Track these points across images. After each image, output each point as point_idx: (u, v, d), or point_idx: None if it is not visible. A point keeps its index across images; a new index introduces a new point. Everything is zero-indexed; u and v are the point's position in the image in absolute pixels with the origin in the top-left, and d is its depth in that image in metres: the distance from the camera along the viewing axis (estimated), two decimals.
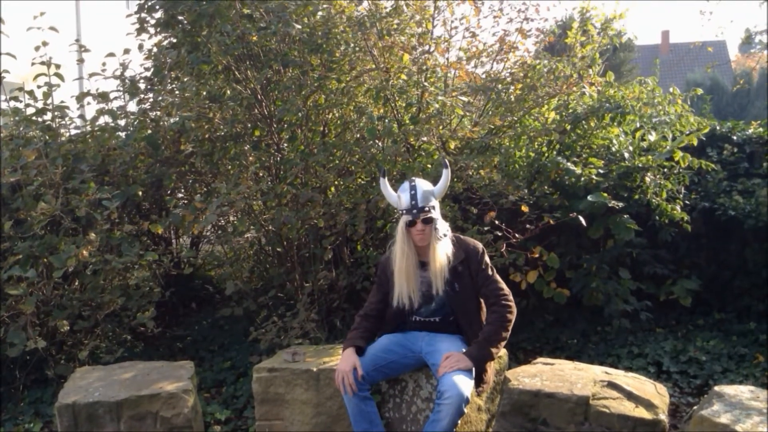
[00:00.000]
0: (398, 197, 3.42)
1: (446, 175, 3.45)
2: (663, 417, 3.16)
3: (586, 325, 5.23)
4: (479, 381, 3.35)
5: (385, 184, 3.55)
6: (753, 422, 2.99)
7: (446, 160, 3.54)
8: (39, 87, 4.95)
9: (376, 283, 3.60)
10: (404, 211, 3.36)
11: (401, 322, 3.52)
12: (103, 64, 5.11)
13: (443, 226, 3.41)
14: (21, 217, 4.48)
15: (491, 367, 3.43)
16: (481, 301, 3.45)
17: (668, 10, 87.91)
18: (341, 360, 3.35)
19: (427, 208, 3.33)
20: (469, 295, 3.39)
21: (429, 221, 3.33)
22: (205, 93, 4.92)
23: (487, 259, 3.47)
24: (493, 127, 5.10)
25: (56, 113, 4.99)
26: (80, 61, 5.23)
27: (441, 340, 3.39)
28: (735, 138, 5.81)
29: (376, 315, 3.54)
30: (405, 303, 3.40)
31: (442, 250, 3.36)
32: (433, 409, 3.13)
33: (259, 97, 4.91)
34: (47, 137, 4.88)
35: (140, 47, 5.43)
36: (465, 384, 3.12)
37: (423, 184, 3.41)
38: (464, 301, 3.39)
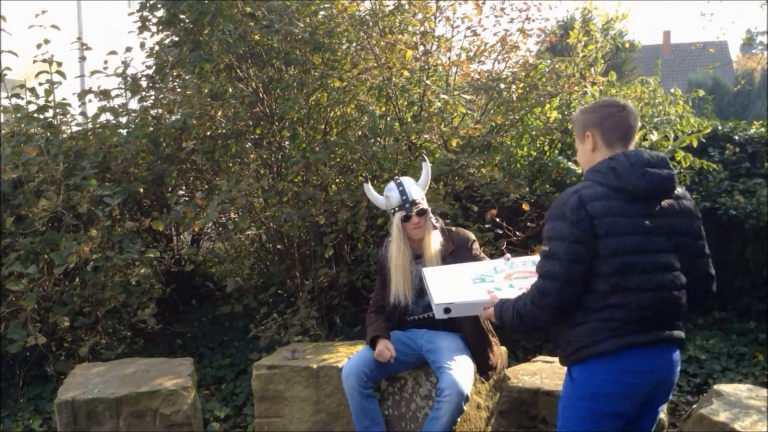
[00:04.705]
0: (386, 197, 3.46)
1: (426, 168, 3.57)
2: (662, 415, 3.16)
3: None
4: (485, 369, 3.37)
5: (369, 189, 3.63)
6: (752, 420, 3.00)
7: (424, 155, 3.68)
8: (40, 84, 4.95)
9: (379, 278, 3.62)
10: (397, 209, 3.38)
11: (398, 320, 3.52)
12: (105, 61, 5.11)
13: (432, 216, 3.48)
14: (22, 214, 4.48)
15: (498, 356, 3.46)
16: None
17: (669, 10, 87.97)
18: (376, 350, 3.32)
19: (418, 201, 3.38)
20: None
21: (423, 212, 3.37)
22: (206, 91, 4.92)
23: (477, 246, 3.51)
24: (494, 125, 5.10)
25: (58, 110, 4.98)
26: (82, 58, 5.22)
27: (441, 337, 3.39)
28: (736, 138, 5.80)
29: (386, 307, 3.54)
30: (401, 300, 3.41)
31: (436, 240, 3.41)
32: (432, 407, 3.14)
33: (260, 95, 4.91)
34: (48, 134, 4.88)
35: (142, 45, 5.43)
36: (465, 382, 3.12)
37: (408, 180, 3.47)
38: None
